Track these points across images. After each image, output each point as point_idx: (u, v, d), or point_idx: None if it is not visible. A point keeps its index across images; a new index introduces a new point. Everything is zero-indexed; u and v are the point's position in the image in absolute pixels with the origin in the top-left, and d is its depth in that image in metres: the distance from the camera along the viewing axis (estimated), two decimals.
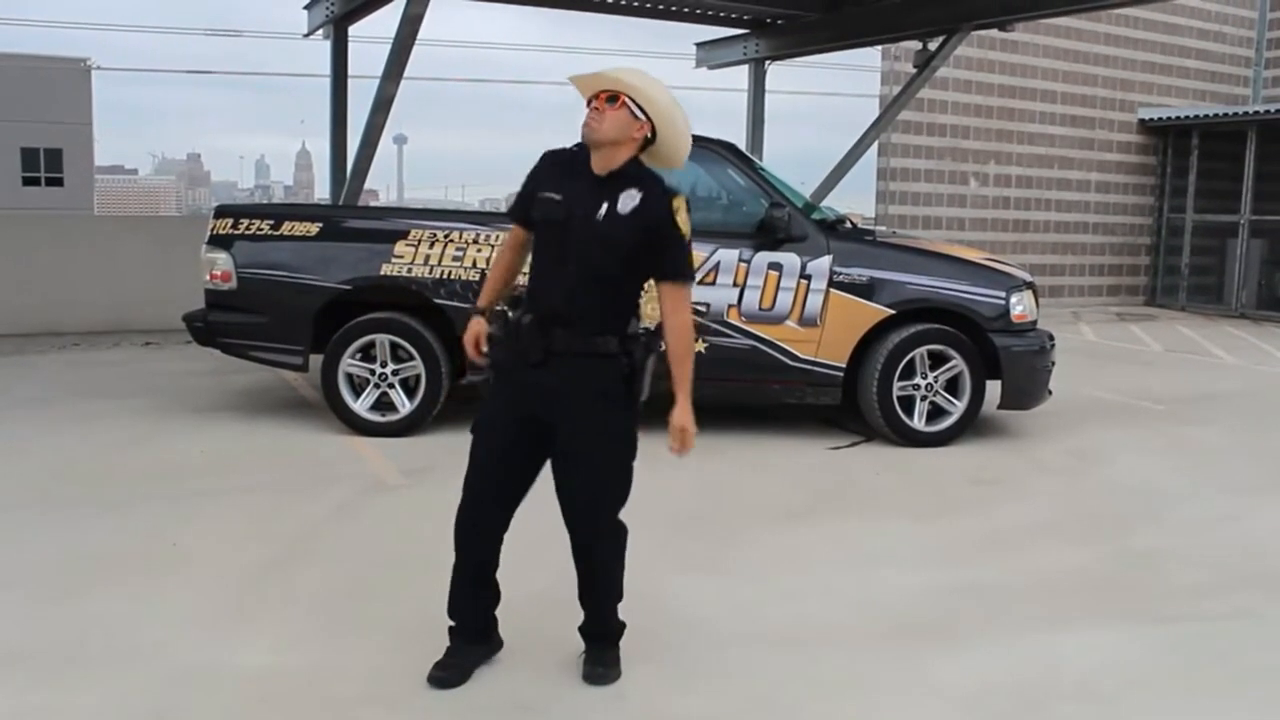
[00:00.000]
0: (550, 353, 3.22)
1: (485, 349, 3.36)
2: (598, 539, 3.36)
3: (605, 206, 3.19)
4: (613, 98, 3.18)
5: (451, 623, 3.46)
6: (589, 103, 3.22)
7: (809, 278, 6.71)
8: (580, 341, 3.20)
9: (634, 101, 3.19)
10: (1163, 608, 4.25)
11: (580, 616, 3.47)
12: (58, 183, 38.62)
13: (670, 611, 3.99)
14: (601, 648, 3.45)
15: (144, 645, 3.63)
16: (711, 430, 7.00)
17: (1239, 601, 4.32)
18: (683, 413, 3.23)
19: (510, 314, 3.35)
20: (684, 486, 5.49)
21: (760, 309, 6.69)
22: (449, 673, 3.38)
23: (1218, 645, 3.89)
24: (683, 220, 3.24)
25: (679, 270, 3.30)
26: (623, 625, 3.48)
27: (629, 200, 3.20)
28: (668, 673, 3.53)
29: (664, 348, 3.28)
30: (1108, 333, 13.45)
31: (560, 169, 3.31)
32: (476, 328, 3.41)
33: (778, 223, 6.64)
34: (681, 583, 4.25)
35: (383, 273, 6.74)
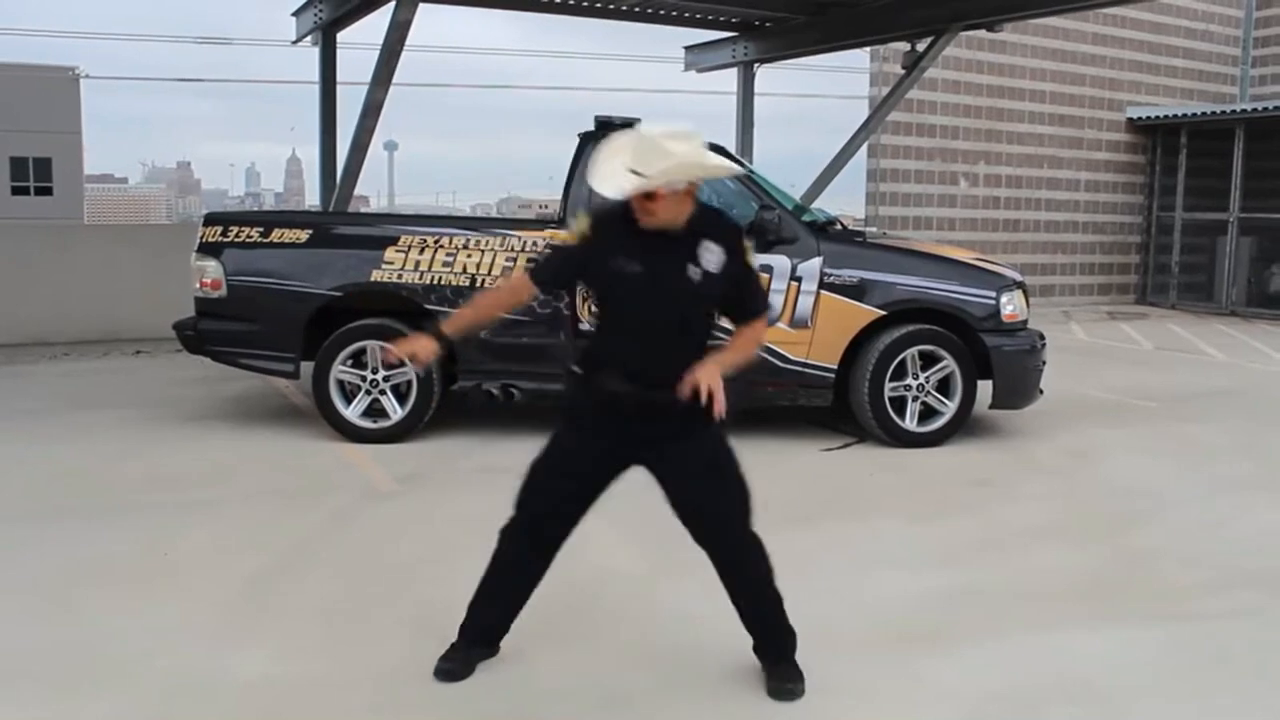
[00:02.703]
0: (643, 404, 3.17)
1: (407, 365, 3.33)
2: (745, 550, 3.35)
3: (694, 270, 3.14)
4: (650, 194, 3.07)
5: (466, 622, 3.46)
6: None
7: (800, 280, 6.72)
8: (673, 389, 3.14)
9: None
10: (1161, 607, 4.24)
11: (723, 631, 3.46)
12: (47, 192, 38.51)
13: (666, 615, 3.99)
14: (786, 663, 3.43)
15: (142, 656, 3.61)
16: None
17: (1238, 600, 4.33)
18: (711, 366, 3.10)
19: (583, 372, 3.27)
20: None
21: None
22: (455, 665, 3.42)
23: (1218, 644, 3.89)
24: (751, 255, 3.25)
25: (758, 309, 3.34)
26: (793, 633, 3.46)
27: (711, 256, 3.15)
28: (664, 677, 3.52)
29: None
30: (1099, 331, 13.48)
31: (617, 232, 3.17)
32: (423, 346, 3.30)
33: (768, 225, 6.64)
34: (676, 586, 4.24)
35: (373, 279, 6.73)
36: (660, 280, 3.13)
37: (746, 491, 3.33)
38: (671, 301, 3.14)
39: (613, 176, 3.04)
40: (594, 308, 3.36)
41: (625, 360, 3.17)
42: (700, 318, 3.25)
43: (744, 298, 3.27)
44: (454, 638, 3.49)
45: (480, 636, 3.48)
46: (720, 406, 3.05)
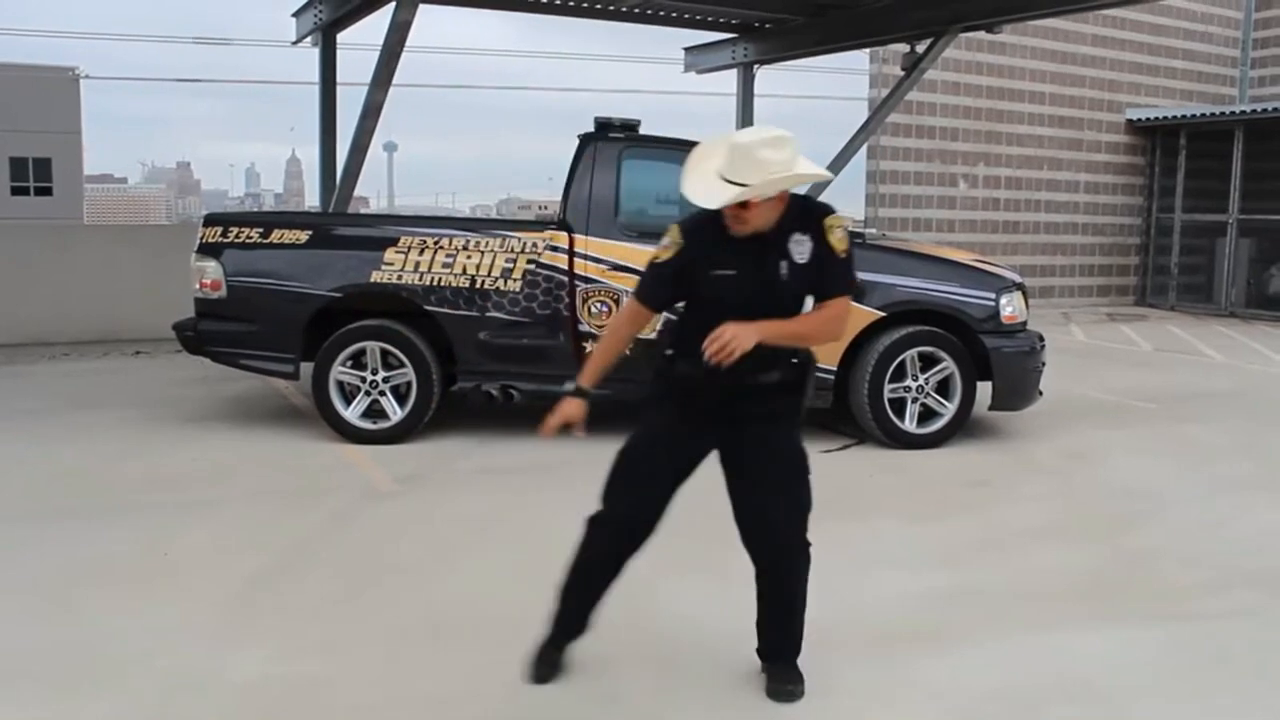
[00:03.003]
0: (734, 391, 3.20)
1: (577, 433, 3.27)
2: (796, 556, 3.36)
3: (785, 265, 3.16)
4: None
5: (559, 610, 3.45)
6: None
7: None
8: (765, 377, 3.20)
9: None
10: (1161, 607, 4.25)
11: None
12: (47, 192, 38.53)
13: (664, 615, 3.99)
14: (790, 665, 3.44)
15: (141, 656, 3.61)
16: None
17: (1238, 600, 4.33)
18: (748, 327, 3.06)
19: (675, 360, 3.29)
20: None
21: None
22: (549, 666, 3.44)
23: (1218, 644, 3.89)
24: (838, 239, 3.20)
25: (837, 286, 3.27)
26: (801, 642, 3.48)
27: (800, 248, 3.16)
28: (661, 676, 3.53)
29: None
30: (1098, 333, 13.49)
31: (708, 240, 3.17)
32: (573, 411, 3.27)
33: None
34: (675, 586, 4.25)
35: (373, 280, 6.73)
36: (755, 281, 3.15)
37: (809, 501, 3.35)
38: (767, 298, 3.15)
39: (708, 188, 3.05)
40: (685, 304, 3.33)
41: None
42: (793, 308, 3.25)
43: (824, 279, 3.24)
44: (452, 637, 3.49)
45: (570, 630, 3.46)
46: (723, 356, 3.01)
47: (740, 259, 3.15)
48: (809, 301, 3.28)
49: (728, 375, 3.10)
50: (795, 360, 3.30)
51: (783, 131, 3.08)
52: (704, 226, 3.20)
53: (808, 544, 3.37)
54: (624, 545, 3.36)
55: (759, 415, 3.27)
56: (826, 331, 3.30)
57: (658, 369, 3.34)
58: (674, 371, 3.29)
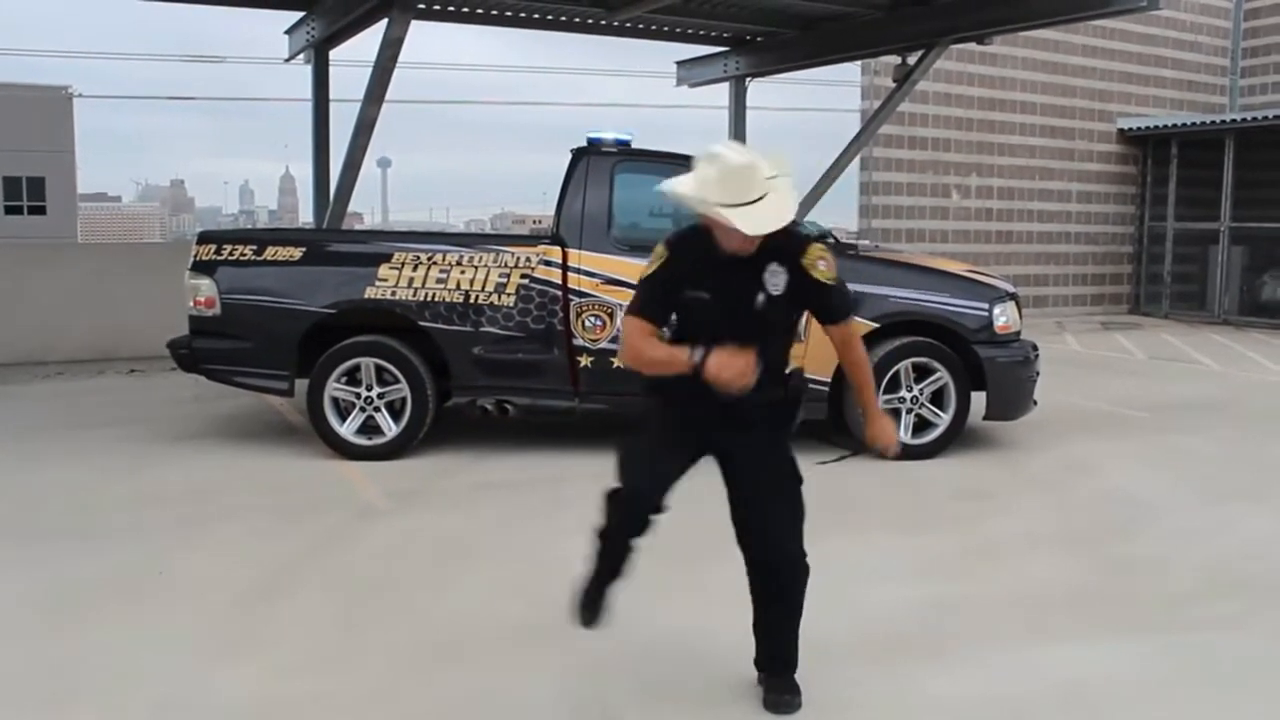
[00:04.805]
0: (730, 407, 3.20)
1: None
2: (797, 565, 3.37)
3: (760, 296, 3.18)
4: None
5: (594, 568, 3.47)
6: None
7: None
8: (756, 398, 3.19)
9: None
10: (1153, 618, 4.25)
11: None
12: (40, 211, 38.46)
13: (657, 629, 3.98)
14: (787, 676, 3.45)
15: (134, 674, 3.60)
16: None
17: (1228, 610, 4.34)
18: (886, 424, 3.46)
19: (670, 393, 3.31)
20: (670, 501, 5.45)
21: None
22: (595, 612, 3.49)
23: (1208, 654, 3.90)
24: (823, 270, 3.22)
25: (839, 312, 3.37)
26: (797, 653, 3.48)
27: (775, 279, 3.19)
28: (656, 691, 3.52)
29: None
30: (1092, 342, 13.52)
31: (694, 258, 3.19)
32: (733, 359, 3.07)
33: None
34: (668, 600, 4.24)
35: (367, 296, 6.73)
36: (730, 307, 3.18)
37: (803, 511, 3.38)
38: (743, 326, 3.17)
39: (699, 203, 3.05)
40: (675, 323, 3.34)
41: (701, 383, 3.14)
42: (775, 335, 3.31)
43: (817, 303, 3.32)
44: (448, 654, 3.49)
45: (607, 578, 3.47)
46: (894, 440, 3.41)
47: (718, 282, 3.17)
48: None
49: (725, 401, 3.12)
50: (789, 377, 3.35)
51: (773, 155, 3.13)
52: (691, 242, 3.22)
53: (805, 554, 3.39)
54: (643, 510, 3.37)
55: (755, 427, 3.30)
56: (869, 373, 3.52)
57: (649, 383, 3.36)
58: (666, 386, 3.29)
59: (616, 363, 6.42)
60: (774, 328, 3.28)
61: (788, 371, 3.37)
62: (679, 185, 3.09)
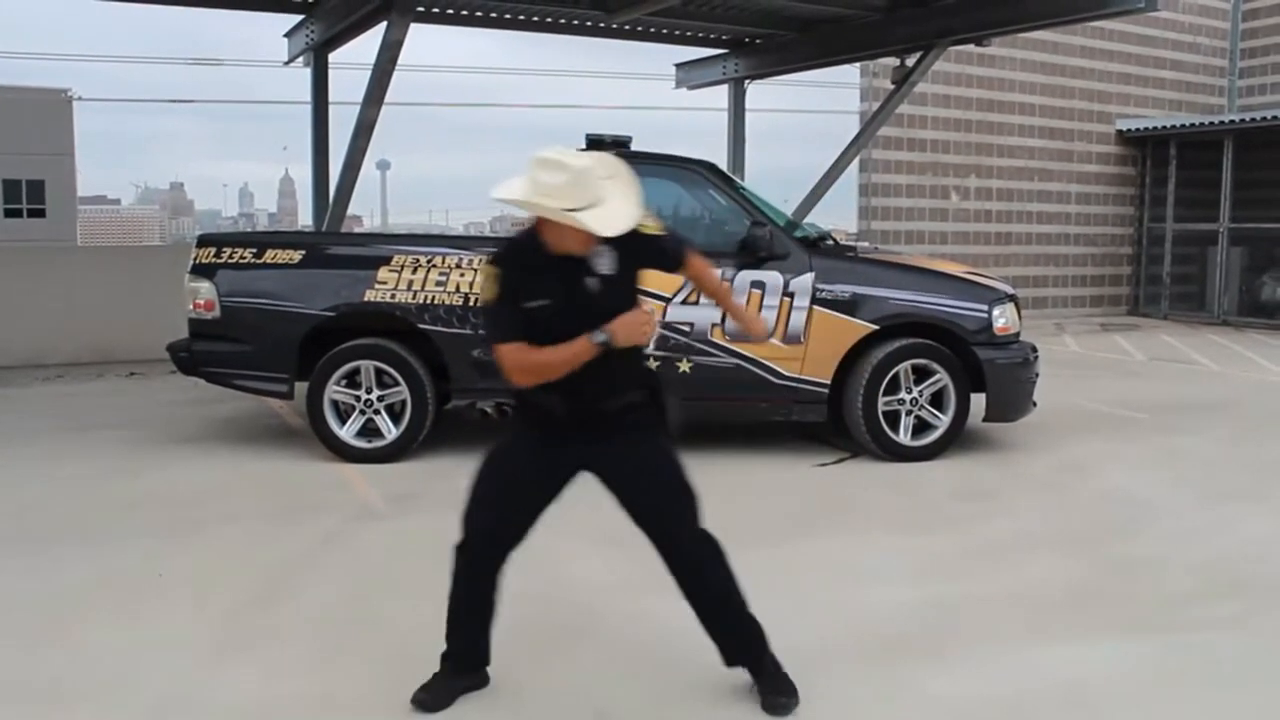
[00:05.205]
0: (587, 418, 3.22)
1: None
2: (700, 548, 3.36)
3: (594, 282, 3.18)
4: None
5: (447, 649, 3.45)
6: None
7: (792, 295, 6.74)
8: (618, 403, 3.23)
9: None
10: (1152, 618, 4.26)
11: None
12: (40, 214, 38.43)
13: (655, 629, 3.98)
14: (771, 674, 3.42)
15: (133, 676, 3.61)
16: (697, 449, 7.01)
17: (1227, 610, 4.34)
18: (753, 316, 3.99)
19: (523, 398, 3.31)
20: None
21: None
22: (430, 695, 3.38)
23: (1208, 655, 3.90)
24: (650, 226, 3.29)
25: (679, 254, 3.45)
26: (763, 634, 3.44)
27: (602, 260, 3.19)
28: (655, 692, 3.52)
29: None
30: (1092, 343, 13.52)
31: (525, 268, 3.17)
32: (634, 317, 3.17)
33: (760, 241, 6.67)
34: (666, 600, 4.23)
35: (366, 299, 6.74)
36: (571, 304, 3.15)
37: (694, 494, 3.35)
38: (584, 320, 3.14)
39: (546, 211, 3.04)
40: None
41: (565, 384, 3.17)
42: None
43: (663, 256, 3.41)
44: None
45: (464, 661, 3.45)
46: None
47: (554, 284, 3.15)
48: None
49: (586, 403, 3.16)
50: (648, 383, 3.34)
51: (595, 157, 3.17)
52: (519, 254, 3.22)
53: (708, 533, 3.37)
54: (492, 564, 3.35)
55: (620, 431, 3.26)
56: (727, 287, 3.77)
57: (516, 397, 3.34)
58: (531, 400, 3.28)
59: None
60: (617, 315, 3.21)
61: (650, 372, 3.39)
62: (514, 191, 3.07)
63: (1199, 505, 5.94)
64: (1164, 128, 16.39)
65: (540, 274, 3.16)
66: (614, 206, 3.08)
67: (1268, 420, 8.50)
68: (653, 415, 3.33)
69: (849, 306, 6.78)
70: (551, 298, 3.15)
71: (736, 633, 3.43)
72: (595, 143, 7.01)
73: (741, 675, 3.48)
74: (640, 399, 3.30)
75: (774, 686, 3.40)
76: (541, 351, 3.13)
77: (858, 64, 13.80)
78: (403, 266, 6.73)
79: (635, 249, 3.24)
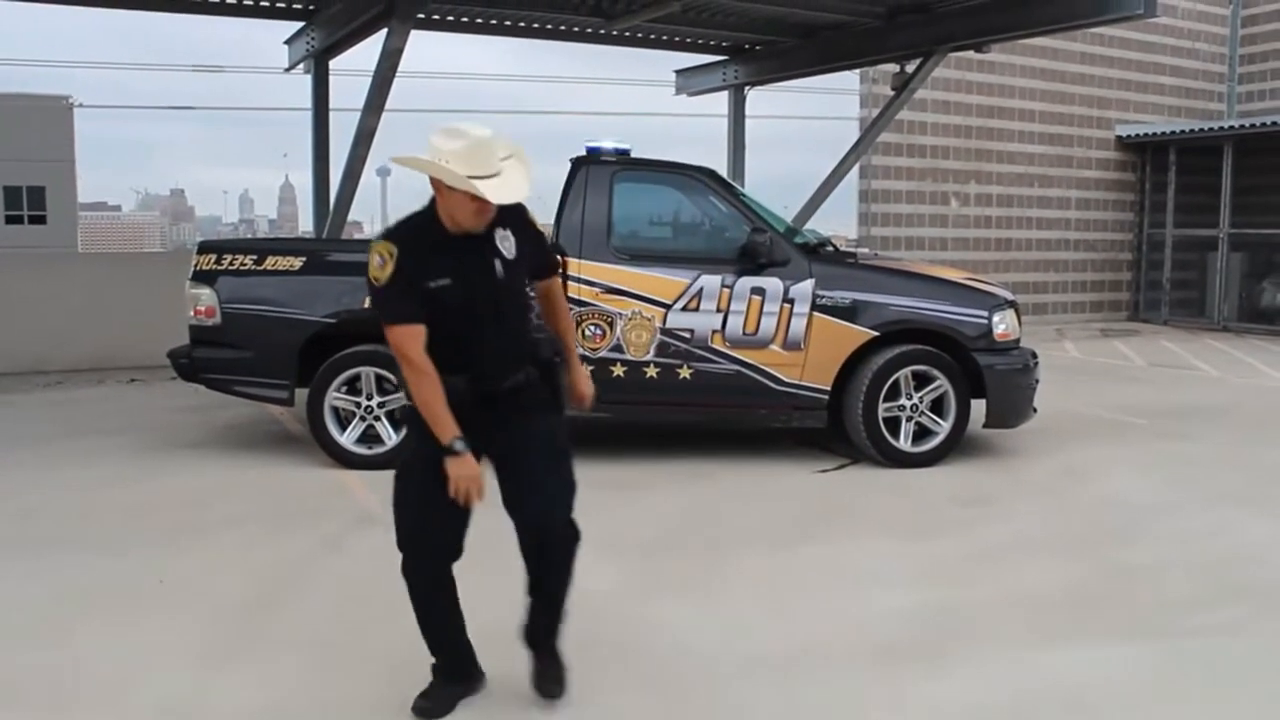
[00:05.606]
0: (489, 397, 3.23)
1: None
2: (568, 531, 3.35)
3: (498, 263, 3.20)
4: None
5: (434, 662, 3.47)
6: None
7: (792, 301, 6.74)
8: (514, 381, 3.25)
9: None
10: (1152, 622, 4.26)
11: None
12: (40, 220, 38.49)
13: (658, 634, 3.99)
14: (556, 656, 3.47)
15: (134, 681, 3.61)
16: (697, 455, 7.03)
17: (1227, 615, 4.34)
18: (584, 376, 3.52)
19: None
20: (671, 511, 5.50)
21: (744, 334, 6.70)
22: (432, 702, 3.39)
23: (1207, 659, 3.91)
24: (540, 225, 3.39)
25: (553, 265, 3.52)
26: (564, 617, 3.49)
27: (506, 243, 3.23)
28: (655, 696, 3.53)
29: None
30: (1092, 349, 13.53)
31: (424, 248, 3.13)
32: (471, 469, 3.13)
33: (760, 247, 6.67)
34: (669, 606, 4.25)
35: (367, 305, 6.71)
36: (472, 284, 3.16)
37: (574, 483, 3.35)
38: (488, 301, 3.18)
39: (445, 174, 3.04)
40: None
41: (465, 365, 3.18)
42: (520, 302, 3.34)
43: (545, 261, 3.45)
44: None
45: (452, 670, 3.46)
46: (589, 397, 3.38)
47: (455, 263, 3.14)
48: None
49: (483, 385, 3.18)
50: (538, 359, 3.35)
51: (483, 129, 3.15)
52: (417, 234, 3.18)
53: (577, 527, 3.36)
54: (433, 569, 3.35)
55: (517, 410, 3.27)
56: (572, 323, 3.65)
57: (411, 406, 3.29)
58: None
59: (616, 372, 6.44)
60: (516, 297, 3.28)
61: (542, 346, 3.39)
62: (416, 157, 3.08)
63: (1198, 510, 5.94)
64: (1164, 134, 16.41)
65: (442, 253, 3.14)
66: (509, 179, 3.10)
67: (1267, 426, 8.50)
68: (547, 392, 3.34)
69: (849, 313, 6.78)
70: (453, 277, 3.13)
71: (556, 620, 3.46)
72: (595, 150, 7.02)
73: (740, 679, 3.48)
74: (531, 378, 3.30)
75: (552, 669, 3.45)
76: (424, 388, 3.11)
77: (858, 70, 13.83)
78: None
79: (531, 239, 3.31)
